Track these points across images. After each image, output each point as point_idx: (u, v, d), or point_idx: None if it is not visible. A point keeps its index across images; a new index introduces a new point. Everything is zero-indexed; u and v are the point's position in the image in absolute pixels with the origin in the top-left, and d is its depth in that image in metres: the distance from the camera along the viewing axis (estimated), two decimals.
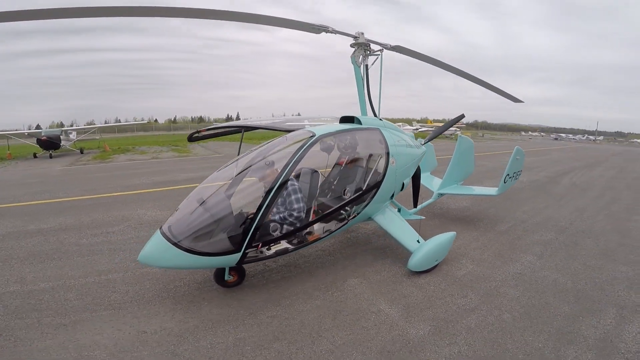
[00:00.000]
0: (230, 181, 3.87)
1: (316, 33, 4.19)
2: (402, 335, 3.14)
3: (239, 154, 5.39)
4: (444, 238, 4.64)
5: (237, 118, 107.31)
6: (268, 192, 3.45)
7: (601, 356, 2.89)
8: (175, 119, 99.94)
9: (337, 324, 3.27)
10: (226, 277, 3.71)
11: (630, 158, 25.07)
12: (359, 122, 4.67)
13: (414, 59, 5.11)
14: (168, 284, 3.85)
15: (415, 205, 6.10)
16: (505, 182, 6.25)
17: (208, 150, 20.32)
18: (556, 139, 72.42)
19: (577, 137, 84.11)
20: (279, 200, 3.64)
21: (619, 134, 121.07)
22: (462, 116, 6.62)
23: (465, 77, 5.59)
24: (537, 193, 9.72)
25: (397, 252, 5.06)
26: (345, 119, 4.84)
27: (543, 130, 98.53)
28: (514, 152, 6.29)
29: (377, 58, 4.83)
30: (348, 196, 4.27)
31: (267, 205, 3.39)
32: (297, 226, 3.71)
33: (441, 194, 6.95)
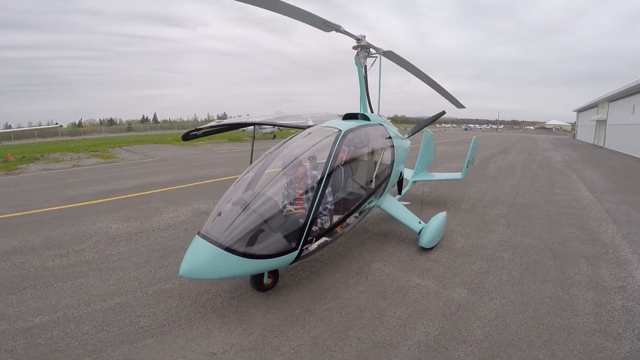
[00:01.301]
0: (268, 179, 3.74)
1: (326, 31, 4.32)
2: (450, 300, 3.55)
3: (252, 150, 5.20)
4: (441, 218, 5.24)
5: (155, 119, 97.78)
6: (316, 187, 3.47)
7: (598, 292, 3.72)
8: (81, 122, 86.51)
9: (391, 302, 3.50)
10: (265, 280, 3.60)
11: (530, 143, 30.63)
12: (365, 119, 4.97)
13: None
14: (196, 298, 3.51)
15: (400, 193, 6.71)
16: (467, 167, 7.27)
17: (136, 154, 18.25)
18: (466, 129, 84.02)
19: (483, 126, 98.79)
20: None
21: (515, 122, 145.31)
22: (443, 112, 7.45)
23: (427, 83, 6.30)
24: (476, 176, 11.34)
25: (397, 235, 5.53)
26: (348, 116, 5.10)
27: (454, 122, 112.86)
28: (472, 142, 7.39)
29: (375, 60, 5.22)
30: (372, 187, 4.54)
31: (318, 200, 3.41)
32: (335, 218, 3.82)
33: (415, 181, 7.68)
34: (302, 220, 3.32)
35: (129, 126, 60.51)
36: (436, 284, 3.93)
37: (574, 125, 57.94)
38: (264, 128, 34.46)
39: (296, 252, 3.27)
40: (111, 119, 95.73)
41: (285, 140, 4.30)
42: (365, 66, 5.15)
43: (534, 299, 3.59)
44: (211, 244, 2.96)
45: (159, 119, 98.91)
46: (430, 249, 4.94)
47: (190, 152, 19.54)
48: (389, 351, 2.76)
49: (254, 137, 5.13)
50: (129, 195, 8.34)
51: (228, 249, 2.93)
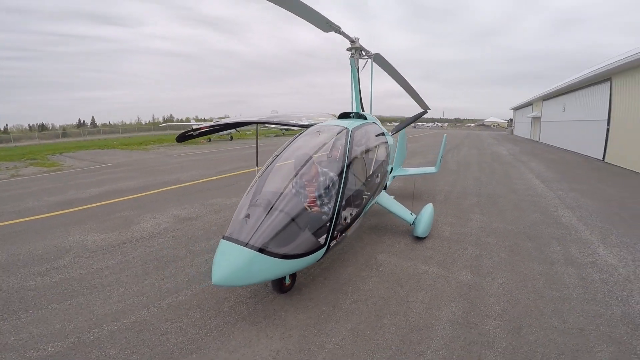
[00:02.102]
0: (288, 177, 3.74)
1: (326, 31, 4.43)
2: (459, 282, 3.91)
3: (256, 150, 5.11)
4: (430, 209, 5.66)
5: (93, 123, 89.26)
6: (337, 184, 3.57)
7: (576, 268, 4.33)
8: (6, 128, 75.89)
9: (409, 289, 3.75)
10: (287, 281, 3.61)
11: (475, 139, 33.41)
12: (361, 118, 5.18)
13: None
14: (218, 308, 3.39)
15: (385, 187, 7.06)
16: (440, 162, 7.90)
17: (82, 161, 16.65)
18: (415, 127, 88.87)
19: (430, 124, 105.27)
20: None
21: (458, 120, 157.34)
22: (424, 112, 7.95)
23: (404, 87, 6.76)
24: (440, 171, 12.22)
25: (390, 228, 5.85)
26: (343, 115, 5.30)
27: (402, 120, 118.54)
28: (444, 139, 8.03)
29: (366, 62, 5.47)
30: (378, 181, 4.76)
31: (341, 196, 3.51)
32: (352, 213, 3.96)
33: (394, 176, 8.12)
34: (327, 217, 3.40)
35: (64, 131, 54.65)
36: (442, 269, 4.26)
37: (510, 122, 64.46)
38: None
39: (324, 248, 3.33)
40: (42, 124, 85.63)
41: (293, 138, 4.34)
42: (357, 68, 5.37)
43: (528, 276, 4.07)
44: (245, 247, 2.89)
45: (98, 122, 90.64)
46: (424, 238, 5.31)
47: (145, 157, 18.31)
48: (428, 332, 2.98)
49: (257, 137, 5.07)
50: (92, 205, 7.66)
51: (263, 251, 2.89)
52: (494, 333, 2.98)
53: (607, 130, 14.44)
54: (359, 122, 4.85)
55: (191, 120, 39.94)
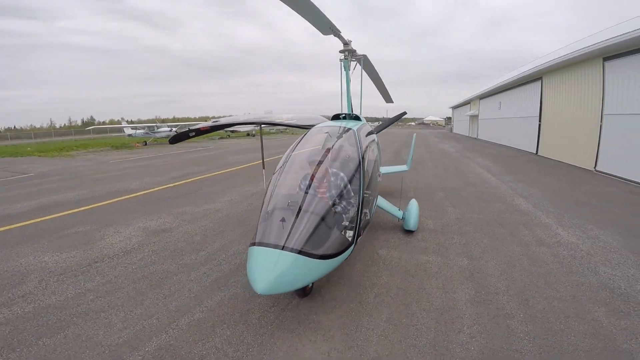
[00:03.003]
0: (309, 178, 3.81)
1: (325, 33, 4.60)
2: (460, 267, 4.43)
3: (262, 150, 5.03)
4: (415, 204, 6.17)
5: None
6: (358, 182, 3.75)
7: (546, 247, 5.13)
8: None
9: (420, 278, 4.14)
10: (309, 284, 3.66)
11: (421, 138, 36.04)
12: (354, 119, 5.46)
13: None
14: (245, 321, 3.29)
15: None
16: (410, 160, 8.58)
17: None
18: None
19: (376, 124, 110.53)
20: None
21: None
22: (404, 113, 8.53)
23: (381, 91, 7.28)
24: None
25: (378, 225, 6.21)
26: (336, 117, 5.55)
27: None
28: (414, 138, 8.75)
29: (356, 64, 5.77)
30: (379, 179, 5.06)
31: (362, 194, 3.70)
32: (369, 210, 4.20)
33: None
34: (352, 215, 3.56)
35: None
36: (441, 257, 4.73)
37: (447, 120, 70.77)
38: (159, 132, 31.32)
39: (353, 246, 3.50)
40: None
41: (301, 138, 4.43)
42: (349, 70, 5.64)
43: (512, 258, 4.71)
44: (285, 251, 2.90)
45: (0, 127, 78.07)
46: (414, 231, 5.78)
47: (74, 165, 16.46)
48: (455, 312, 3.37)
49: (261, 137, 5.02)
50: (31, 221, 6.76)
51: (304, 253, 2.94)
52: (509, 306, 3.47)
53: (539, 126, 16.83)
54: (359, 123, 5.12)
55: (122, 122, 36.52)
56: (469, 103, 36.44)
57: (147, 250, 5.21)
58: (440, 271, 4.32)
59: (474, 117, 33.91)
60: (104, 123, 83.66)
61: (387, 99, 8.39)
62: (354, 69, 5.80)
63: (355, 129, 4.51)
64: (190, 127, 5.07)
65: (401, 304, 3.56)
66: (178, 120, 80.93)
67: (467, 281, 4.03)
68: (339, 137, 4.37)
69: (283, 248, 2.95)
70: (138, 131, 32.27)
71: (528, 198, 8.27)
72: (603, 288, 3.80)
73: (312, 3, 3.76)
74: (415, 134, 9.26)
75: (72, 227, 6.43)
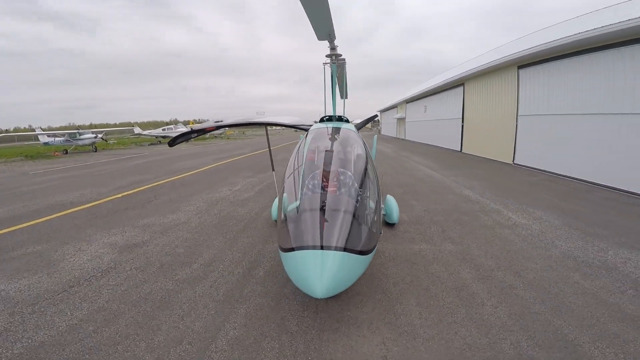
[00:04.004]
0: (328, 176, 3.72)
1: (321, 39, 4.58)
2: (452, 252, 4.85)
3: (269, 152, 4.72)
4: (392, 198, 6.52)
5: None
6: (375, 179, 3.84)
7: (507, 229, 5.88)
8: None
9: (423, 264, 4.43)
10: None
11: None
12: (346, 121, 5.55)
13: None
14: (282, 329, 3.15)
15: None
16: (374, 159, 9.03)
17: None
18: (296, 130, 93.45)
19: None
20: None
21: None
22: (376, 116, 8.78)
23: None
24: None
25: None
26: (327, 119, 5.59)
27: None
28: (375, 139, 9.22)
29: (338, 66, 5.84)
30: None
31: (379, 189, 3.77)
32: (383, 205, 4.28)
33: None
34: (374, 210, 3.62)
35: None
36: (430, 245, 5.09)
37: (373, 123, 75.18)
38: (82, 139, 27.55)
39: (377, 241, 3.55)
40: None
41: (305, 138, 4.35)
42: (332, 72, 5.69)
43: (487, 239, 5.31)
44: (333, 251, 2.84)
45: None
46: (395, 224, 6.10)
47: None
48: (470, 289, 3.74)
49: (268, 140, 4.77)
50: None
51: (349, 250, 2.91)
52: (507, 279, 3.95)
53: (462, 126, 18.96)
54: (350, 124, 5.20)
55: (37, 130, 31.39)
56: (396, 107, 39.32)
57: (128, 269, 4.59)
58: (436, 257, 4.65)
59: (401, 120, 36.70)
60: (7, 131, 70.93)
61: (343, 94, 8.66)
62: (336, 71, 5.88)
63: (354, 129, 4.60)
64: (193, 128, 4.66)
65: (421, 288, 3.78)
66: (96, 126, 71.92)
67: (463, 263, 4.44)
68: (346, 137, 4.42)
69: (329, 248, 2.87)
70: (57, 139, 27.96)
71: (472, 189, 9.29)
72: (567, 258, 4.51)
73: (328, 6, 3.68)
74: (376, 135, 9.74)
75: (20, 247, 5.35)
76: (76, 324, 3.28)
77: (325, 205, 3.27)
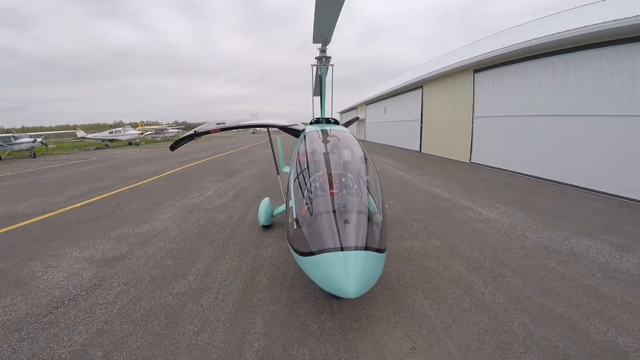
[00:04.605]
0: (336, 178, 3.79)
1: (315, 42, 4.66)
2: (438, 246, 5.21)
3: (274, 155, 4.61)
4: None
5: None
6: (378, 179, 3.97)
7: (480, 223, 6.45)
8: None
9: (417, 259, 4.73)
10: None
11: None
12: (336, 123, 5.68)
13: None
14: (309, 333, 3.23)
15: None
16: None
17: None
18: (254, 132, 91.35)
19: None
20: None
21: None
22: (357, 118, 8.94)
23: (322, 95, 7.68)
24: None
25: None
26: (317, 121, 5.71)
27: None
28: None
29: (328, 68, 5.94)
30: None
31: (381, 189, 3.91)
32: (386, 205, 4.44)
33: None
34: (381, 209, 3.73)
35: None
36: (419, 242, 5.43)
37: None
38: (18, 144, 24.55)
39: (387, 239, 3.69)
40: None
41: (303, 141, 4.40)
42: (320, 75, 5.78)
43: (467, 234, 5.77)
44: (358, 251, 2.92)
45: None
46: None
47: None
48: (467, 279, 4.10)
49: (271, 140, 4.70)
50: None
51: (370, 249, 3.01)
52: (496, 269, 4.39)
53: (421, 127, 20.07)
54: (342, 126, 5.32)
55: None
56: (356, 108, 40.40)
57: (116, 285, 4.27)
58: (427, 252, 4.97)
59: (361, 121, 37.79)
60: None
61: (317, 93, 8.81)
62: (325, 73, 5.97)
63: (348, 131, 4.74)
64: (197, 130, 4.49)
65: (422, 282, 4.05)
66: (29, 130, 64.44)
67: (452, 256, 4.81)
68: (347, 140, 4.54)
69: (352, 249, 2.95)
70: None
71: (440, 187, 9.94)
72: (539, 247, 5.08)
73: (340, 11, 3.71)
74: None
75: None
76: (79, 349, 3.00)
77: (341, 207, 3.34)
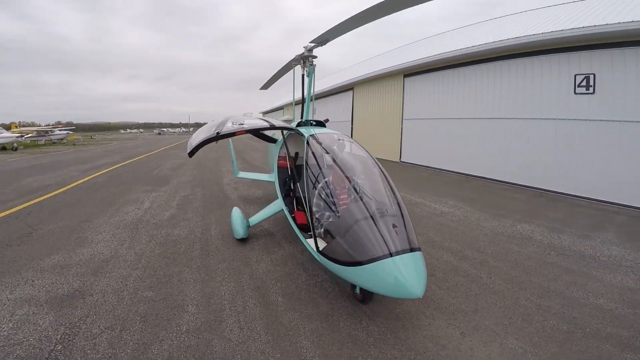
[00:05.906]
0: (365, 182, 3.86)
1: (314, 42, 4.62)
2: (423, 241, 5.74)
3: (287, 158, 4.33)
4: None
5: None
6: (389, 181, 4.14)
7: (442, 217, 7.28)
8: None
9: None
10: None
11: (246, 144, 36.59)
12: (322, 125, 5.71)
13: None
14: (355, 338, 3.27)
15: None
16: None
17: None
18: (159, 133, 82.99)
19: (177, 130, 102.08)
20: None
21: (198, 125, 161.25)
22: (327, 120, 8.79)
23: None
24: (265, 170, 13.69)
25: None
26: (303, 124, 5.76)
27: (140, 126, 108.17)
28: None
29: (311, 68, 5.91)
30: None
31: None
32: None
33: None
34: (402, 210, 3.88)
35: None
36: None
37: None
38: None
39: None
40: None
41: (307, 146, 4.42)
42: (304, 75, 5.72)
43: (435, 227, 6.54)
44: (410, 253, 3.13)
45: None
46: None
47: None
48: (463, 268, 4.71)
49: (279, 142, 4.40)
50: None
51: (414, 249, 3.23)
52: (477, 256, 5.11)
53: (352, 128, 21.23)
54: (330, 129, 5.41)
55: None
56: (283, 108, 40.19)
57: (97, 332, 3.42)
58: (423, 248, 5.45)
59: (288, 122, 37.70)
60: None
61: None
62: (308, 74, 5.92)
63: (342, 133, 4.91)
64: (219, 132, 4.05)
65: (428, 275, 4.29)
66: None
67: (438, 249, 5.42)
68: (352, 142, 4.64)
69: (405, 252, 3.12)
70: None
71: (415, 190, 10.76)
72: (497, 234, 6.07)
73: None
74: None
75: None
76: None
77: (381, 211, 3.45)
